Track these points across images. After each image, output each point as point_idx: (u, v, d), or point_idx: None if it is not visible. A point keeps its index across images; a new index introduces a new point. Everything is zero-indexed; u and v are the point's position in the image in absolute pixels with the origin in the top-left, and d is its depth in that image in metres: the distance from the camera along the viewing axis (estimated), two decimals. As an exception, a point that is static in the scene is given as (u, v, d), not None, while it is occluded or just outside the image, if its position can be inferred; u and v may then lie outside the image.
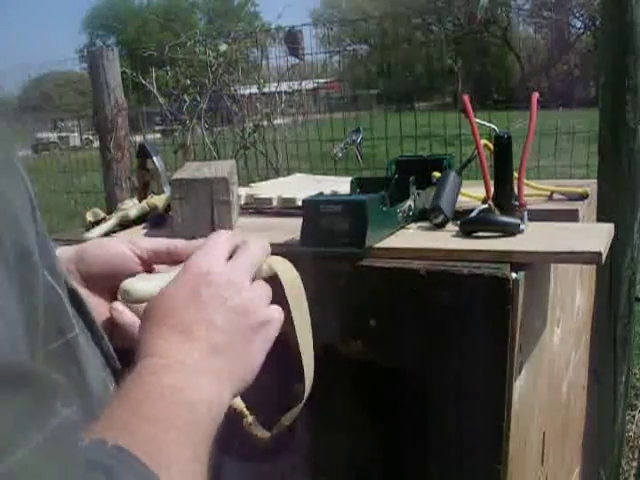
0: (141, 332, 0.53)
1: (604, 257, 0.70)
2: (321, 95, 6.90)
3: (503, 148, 0.85)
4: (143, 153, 1.21)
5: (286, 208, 1.10)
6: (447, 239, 0.80)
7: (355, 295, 0.78)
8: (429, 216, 0.87)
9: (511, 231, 0.79)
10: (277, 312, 0.58)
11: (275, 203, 1.12)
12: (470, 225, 0.81)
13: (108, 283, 0.62)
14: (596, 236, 0.76)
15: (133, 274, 0.62)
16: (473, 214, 0.84)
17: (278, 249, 0.83)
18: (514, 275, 0.69)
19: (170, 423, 0.44)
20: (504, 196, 0.85)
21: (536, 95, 0.88)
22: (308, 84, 5.35)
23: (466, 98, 0.89)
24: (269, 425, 0.71)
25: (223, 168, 0.99)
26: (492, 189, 0.87)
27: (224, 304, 0.53)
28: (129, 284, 0.58)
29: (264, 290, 0.58)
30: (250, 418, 0.71)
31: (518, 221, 0.80)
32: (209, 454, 0.46)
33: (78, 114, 8.28)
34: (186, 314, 0.52)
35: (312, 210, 0.79)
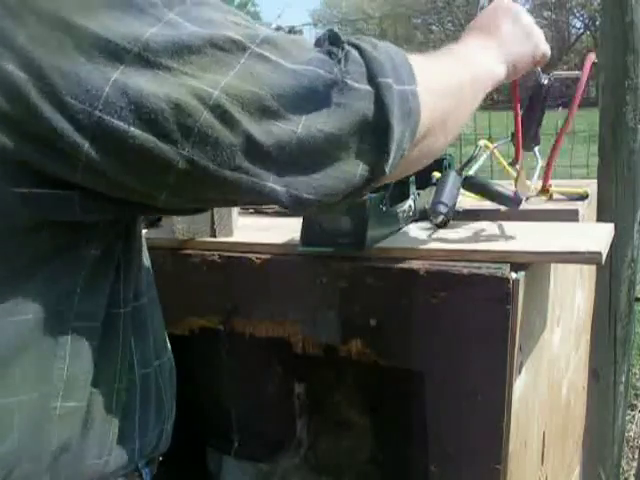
0: None
1: (604, 257, 0.70)
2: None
3: (539, 94, 0.86)
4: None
5: (286, 208, 1.09)
6: (447, 239, 0.80)
7: (355, 295, 0.78)
8: (429, 216, 0.87)
9: (508, 204, 0.80)
10: (547, 46, 0.77)
11: (275, 203, 1.12)
12: (472, 185, 0.82)
13: None
14: (596, 236, 0.76)
15: None
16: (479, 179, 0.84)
17: (278, 249, 0.83)
18: (514, 275, 0.69)
19: (457, 67, 0.62)
20: (527, 141, 0.87)
21: (591, 57, 0.88)
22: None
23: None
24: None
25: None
26: (521, 156, 0.87)
27: (515, 19, 0.73)
28: None
29: (541, 30, 0.76)
30: None
31: (519, 197, 0.80)
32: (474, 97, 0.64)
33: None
34: (486, 19, 0.73)
35: (312, 210, 0.79)
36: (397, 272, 0.75)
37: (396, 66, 0.52)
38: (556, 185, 1.04)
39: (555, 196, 1.00)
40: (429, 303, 0.73)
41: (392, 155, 0.52)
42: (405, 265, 0.75)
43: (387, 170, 0.53)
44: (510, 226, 0.85)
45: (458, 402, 0.75)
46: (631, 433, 2.01)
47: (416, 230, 0.87)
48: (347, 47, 0.51)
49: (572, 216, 0.92)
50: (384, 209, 0.82)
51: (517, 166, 0.86)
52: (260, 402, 0.91)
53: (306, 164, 0.49)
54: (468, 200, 0.96)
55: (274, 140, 0.47)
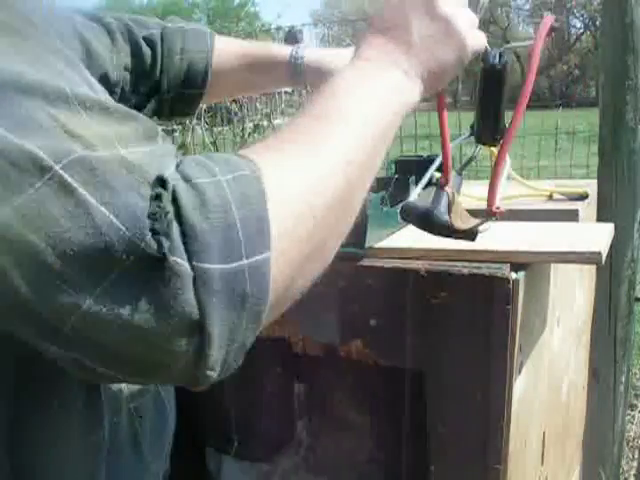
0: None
1: (604, 257, 0.70)
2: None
3: (491, 77, 0.67)
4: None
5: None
6: (447, 239, 0.80)
7: (355, 295, 0.78)
8: (429, 216, 0.86)
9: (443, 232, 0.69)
10: (479, 39, 0.60)
11: (275, 203, 1.12)
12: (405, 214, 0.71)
13: None
14: (596, 236, 0.76)
15: None
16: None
17: (278, 249, 0.83)
18: (514, 275, 0.69)
19: (350, 140, 0.48)
20: (487, 133, 0.71)
21: (550, 20, 0.67)
22: (308, 84, 5.34)
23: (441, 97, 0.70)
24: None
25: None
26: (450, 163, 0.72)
27: (429, 10, 0.55)
28: None
29: (472, 16, 0.59)
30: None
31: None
32: (384, 140, 0.52)
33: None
34: (390, 15, 0.56)
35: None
36: (397, 272, 0.75)
37: (233, 234, 0.38)
38: (556, 185, 1.04)
39: (555, 196, 1.01)
40: (429, 303, 0.73)
41: (213, 360, 0.40)
42: (405, 265, 0.75)
43: (215, 374, 0.41)
44: (510, 226, 0.85)
45: (458, 402, 0.75)
46: (631, 433, 2.01)
47: (416, 230, 0.87)
48: (169, 209, 0.37)
49: (572, 216, 0.92)
50: (384, 209, 0.81)
51: (447, 189, 0.70)
52: (260, 402, 0.91)
53: (98, 344, 0.38)
54: (468, 200, 0.96)
55: (53, 309, 0.37)
